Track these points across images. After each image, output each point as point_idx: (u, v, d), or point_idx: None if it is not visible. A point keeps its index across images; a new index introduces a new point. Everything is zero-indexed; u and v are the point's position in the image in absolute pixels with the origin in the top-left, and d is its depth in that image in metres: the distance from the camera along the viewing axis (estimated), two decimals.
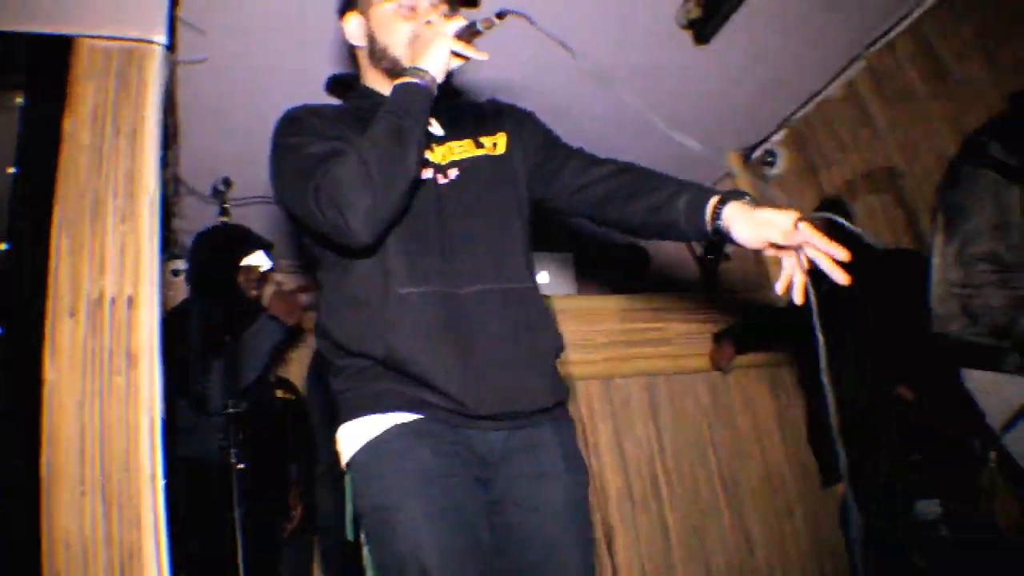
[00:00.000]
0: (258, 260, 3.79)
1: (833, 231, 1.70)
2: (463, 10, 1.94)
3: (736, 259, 5.61)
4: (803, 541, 4.50)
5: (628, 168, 1.95)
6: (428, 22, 1.81)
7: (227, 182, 2.95)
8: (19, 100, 2.91)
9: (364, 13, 1.93)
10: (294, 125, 1.84)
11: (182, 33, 3.56)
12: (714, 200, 1.73)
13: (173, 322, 3.40)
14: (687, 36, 4.16)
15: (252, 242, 3.77)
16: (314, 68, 3.97)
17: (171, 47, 3.50)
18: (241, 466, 2.58)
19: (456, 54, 1.74)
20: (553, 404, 1.82)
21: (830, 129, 4.74)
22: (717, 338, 4.60)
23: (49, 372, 2.48)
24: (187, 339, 3.33)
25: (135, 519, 2.41)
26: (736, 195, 1.72)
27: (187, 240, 4.52)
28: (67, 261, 2.65)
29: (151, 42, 3.07)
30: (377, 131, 1.65)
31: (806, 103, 4.94)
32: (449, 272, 1.76)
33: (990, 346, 2.54)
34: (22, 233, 2.69)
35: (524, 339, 1.78)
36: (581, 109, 4.52)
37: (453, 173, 1.86)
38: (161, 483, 2.48)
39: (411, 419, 1.69)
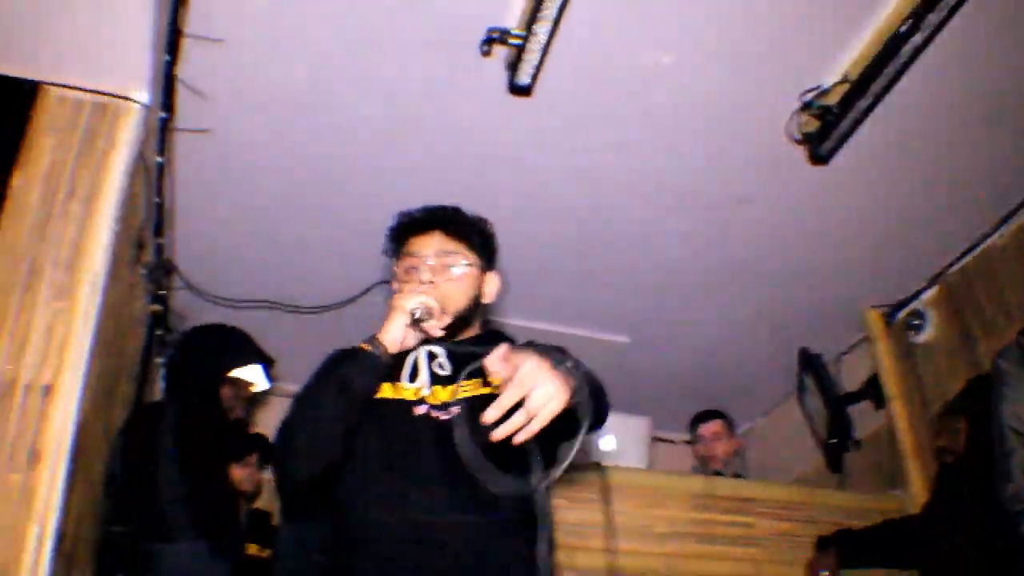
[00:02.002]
0: (253, 376, 3.88)
1: None
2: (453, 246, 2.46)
3: (868, 448, 5.46)
4: None
5: None
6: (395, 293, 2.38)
7: (167, 266, 3.08)
8: None
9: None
10: None
11: (184, 97, 3.82)
12: None
13: (140, 420, 3.51)
14: (802, 153, 4.21)
15: (250, 352, 3.87)
16: (326, 151, 4.22)
17: (168, 109, 3.78)
18: None
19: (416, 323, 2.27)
20: None
21: (995, 287, 4.63)
22: (821, 544, 4.43)
23: None
24: (153, 444, 3.39)
25: None
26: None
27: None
28: None
29: (128, 99, 3.31)
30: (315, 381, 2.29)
31: (966, 253, 4.88)
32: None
33: None
34: None
35: None
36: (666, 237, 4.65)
37: (453, 411, 2.23)
38: None
39: None
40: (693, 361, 5.91)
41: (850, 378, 5.68)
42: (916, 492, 4.91)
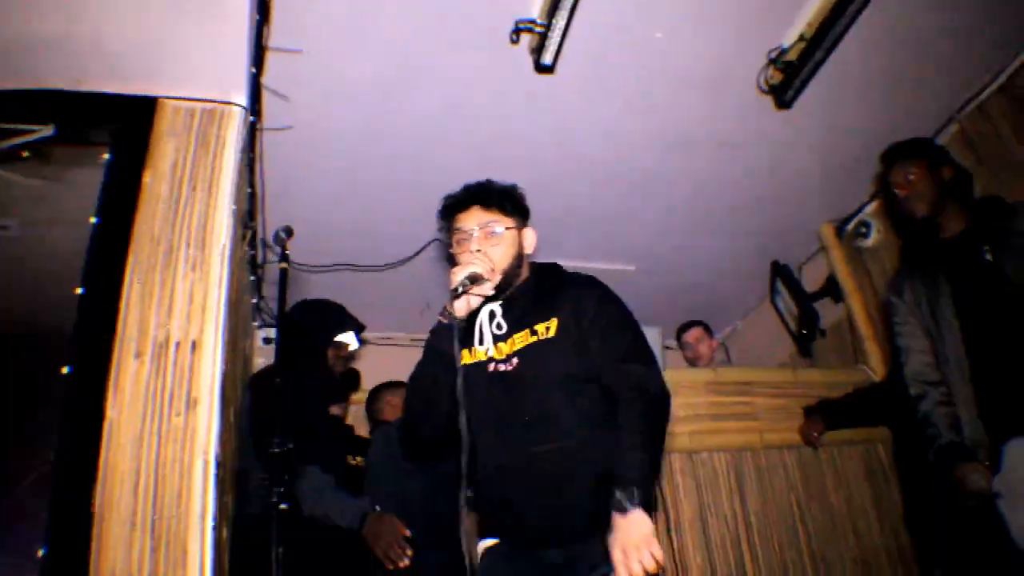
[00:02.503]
0: (349, 339, 3.84)
1: None
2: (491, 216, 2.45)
3: (831, 335, 5.42)
4: None
5: (625, 401, 2.23)
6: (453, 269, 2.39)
7: (288, 231, 3.00)
8: (105, 156, 3.05)
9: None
10: None
11: (268, 100, 3.72)
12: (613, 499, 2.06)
13: (262, 383, 3.46)
14: (769, 102, 4.13)
15: (346, 321, 3.83)
16: (396, 135, 4.12)
17: (256, 113, 3.68)
18: (283, 506, 2.53)
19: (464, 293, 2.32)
20: None
21: None
22: (808, 412, 4.40)
23: (111, 410, 2.53)
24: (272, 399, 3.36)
25: (181, 559, 2.39)
26: (622, 503, 2.03)
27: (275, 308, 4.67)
28: (137, 305, 2.72)
29: (230, 103, 3.20)
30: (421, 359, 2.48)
31: None
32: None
33: None
34: (97, 279, 2.78)
35: None
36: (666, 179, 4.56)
37: (514, 361, 2.35)
38: (211, 524, 2.46)
39: None
40: (685, 281, 5.84)
41: (812, 282, 5.62)
42: (875, 366, 4.89)
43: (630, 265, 5.52)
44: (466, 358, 2.42)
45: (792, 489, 4.36)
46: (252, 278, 4.91)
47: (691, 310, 5.59)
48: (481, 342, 2.44)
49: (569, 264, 4.52)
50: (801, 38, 3.78)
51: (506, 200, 2.48)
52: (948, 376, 2.79)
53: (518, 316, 2.44)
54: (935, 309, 2.83)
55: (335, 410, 4.05)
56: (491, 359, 2.41)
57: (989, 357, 2.68)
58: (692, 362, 5.19)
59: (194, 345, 2.73)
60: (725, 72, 3.99)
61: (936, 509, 3.26)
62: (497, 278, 2.38)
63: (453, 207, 2.50)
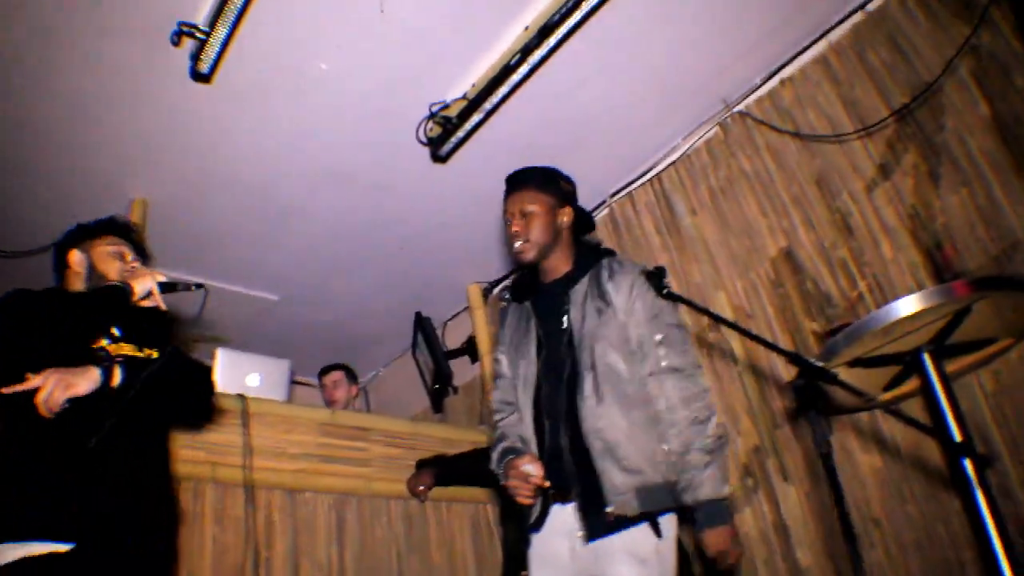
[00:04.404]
0: None
1: None
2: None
3: (464, 393, 5.65)
4: None
5: None
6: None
7: None
8: None
9: (86, 252, 2.69)
10: None
11: None
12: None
13: None
14: (426, 153, 4.30)
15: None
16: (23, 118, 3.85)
17: None
18: None
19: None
20: None
21: None
22: (419, 465, 4.53)
23: None
24: None
25: None
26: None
27: None
28: None
29: None
30: None
31: None
32: None
33: None
34: None
35: None
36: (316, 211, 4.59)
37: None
38: None
39: None
40: (330, 319, 5.86)
41: (454, 339, 5.84)
42: None
43: (273, 294, 5.47)
44: None
45: (394, 540, 4.41)
46: None
47: (336, 348, 5.63)
48: None
49: (211, 284, 4.42)
50: (464, 97, 3.99)
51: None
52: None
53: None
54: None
55: None
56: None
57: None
58: (329, 405, 5.22)
59: None
60: (387, 115, 4.09)
61: None
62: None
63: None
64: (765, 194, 4.15)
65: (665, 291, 2.40)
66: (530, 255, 2.76)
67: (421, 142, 4.20)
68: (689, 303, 2.39)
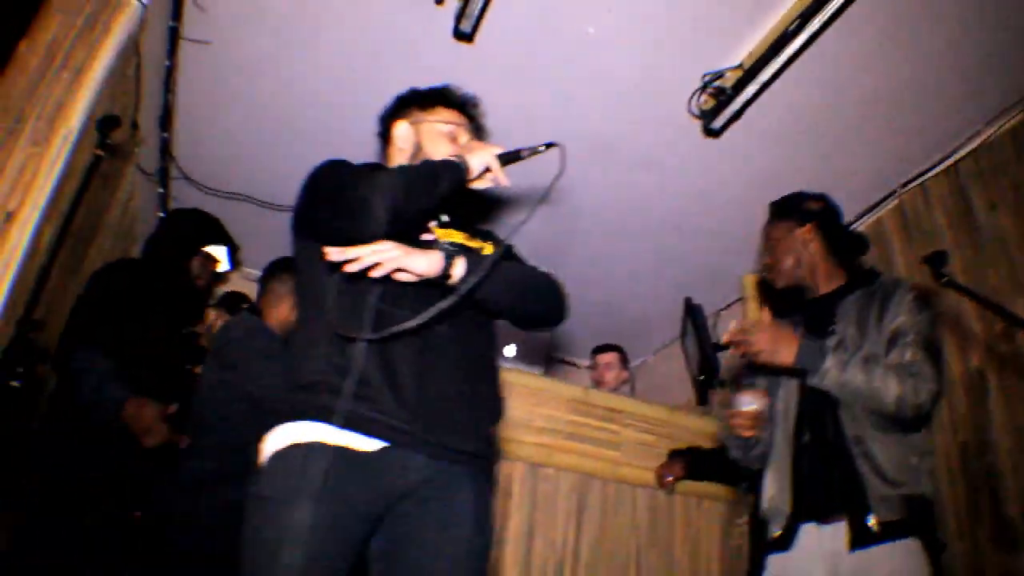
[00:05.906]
0: (219, 253, 3.85)
1: None
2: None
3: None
4: None
5: None
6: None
7: (113, 120, 3.01)
8: None
9: (414, 125, 2.42)
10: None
11: (190, 10, 3.78)
12: None
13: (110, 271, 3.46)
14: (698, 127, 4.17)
15: (220, 235, 3.84)
16: (315, 67, 4.13)
17: (176, 19, 3.75)
18: None
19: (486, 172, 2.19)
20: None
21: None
22: (672, 455, 4.42)
23: None
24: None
25: None
26: None
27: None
28: None
29: None
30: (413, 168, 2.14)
31: None
32: None
33: None
34: None
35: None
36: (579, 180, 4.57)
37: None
38: None
39: None
40: (599, 300, 5.83)
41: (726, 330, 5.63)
42: None
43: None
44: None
45: (635, 530, 4.34)
46: (160, 190, 4.97)
47: (604, 330, 5.64)
48: None
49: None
50: (739, 67, 3.82)
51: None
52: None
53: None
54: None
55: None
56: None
57: None
58: (597, 385, 5.25)
59: (9, 216, 2.79)
60: (656, 86, 3.99)
61: None
62: None
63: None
64: None
65: (945, 279, 2.30)
66: (780, 283, 2.89)
67: (693, 114, 4.06)
68: (975, 296, 2.31)
